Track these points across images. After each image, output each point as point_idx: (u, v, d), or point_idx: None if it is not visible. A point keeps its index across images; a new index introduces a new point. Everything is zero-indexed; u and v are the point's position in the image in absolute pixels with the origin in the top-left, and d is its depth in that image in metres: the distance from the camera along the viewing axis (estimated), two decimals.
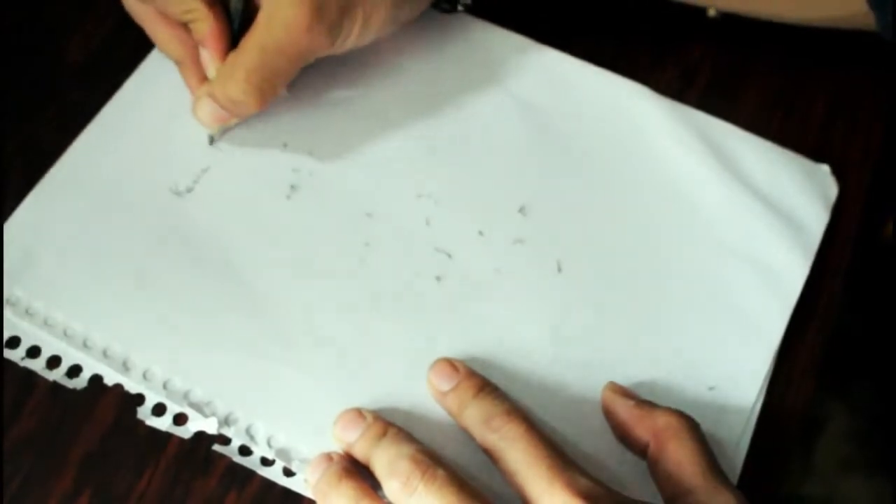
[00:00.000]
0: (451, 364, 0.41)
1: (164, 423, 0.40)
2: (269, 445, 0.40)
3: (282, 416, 0.41)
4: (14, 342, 0.41)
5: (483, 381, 0.40)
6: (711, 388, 0.43)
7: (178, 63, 0.46)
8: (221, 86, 0.44)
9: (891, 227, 0.81)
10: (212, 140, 0.47)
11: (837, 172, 0.48)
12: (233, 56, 0.43)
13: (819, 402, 0.90)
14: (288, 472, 0.40)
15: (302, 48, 0.43)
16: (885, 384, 0.90)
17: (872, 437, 0.90)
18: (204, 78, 0.45)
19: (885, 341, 0.89)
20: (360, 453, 0.39)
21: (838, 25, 0.49)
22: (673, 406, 0.39)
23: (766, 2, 0.49)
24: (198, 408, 0.40)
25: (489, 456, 0.38)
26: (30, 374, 0.41)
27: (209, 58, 0.44)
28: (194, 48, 0.45)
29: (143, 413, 0.40)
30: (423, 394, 0.41)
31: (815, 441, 0.90)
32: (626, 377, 0.42)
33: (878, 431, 0.90)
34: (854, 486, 0.89)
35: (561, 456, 0.36)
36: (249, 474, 0.40)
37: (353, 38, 0.45)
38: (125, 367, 0.41)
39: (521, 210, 0.46)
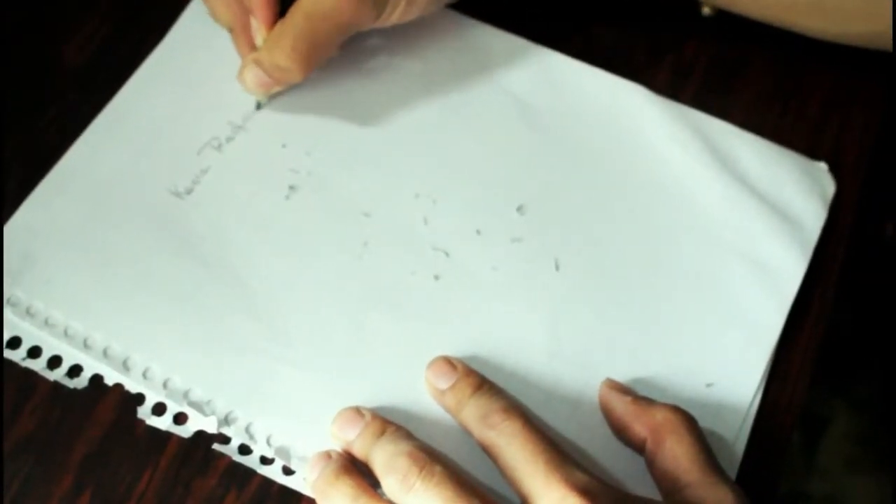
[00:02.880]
0: (449, 362, 0.41)
1: (164, 423, 0.41)
2: (269, 444, 0.40)
3: (281, 415, 0.41)
4: (15, 342, 0.42)
5: (481, 379, 0.40)
6: (709, 385, 0.43)
7: (229, 30, 0.47)
8: (268, 53, 0.45)
9: (892, 225, 0.81)
10: (259, 106, 0.48)
11: (832, 170, 0.48)
12: (280, 23, 0.45)
13: (823, 400, 0.90)
14: (287, 471, 0.40)
15: (347, 18, 0.44)
16: (890, 383, 0.90)
17: (877, 436, 0.90)
18: (254, 45, 0.46)
19: (890, 340, 0.89)
20: (358, 451, 0.39)
21: (860, 43, 0.49)
22: (670, 402, 0.40)
23: (792, 13, 0.49)
24: (198, 407, 0.41)
25: (487, 452, 0.38)
26: (29, 376, 0.41)
27: (257, 26, 0.45)
28: (245, 15, 0.46)
29: (144, 412, 0.41)
30: (422, 391, 0.41)
31: (820, 440, 0.90)
32: (623, 374, 0.42)
33: (882, 431, 0.90)
34: (859, 484, 0.89)
35: (558, 451, 0.37)
36: (249, 473, 0.40)
37: (399, 12, 0.46)
38: (125, 367, 0.41)
39: (520, 209, 0.46)
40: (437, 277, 0.44)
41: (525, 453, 0.36)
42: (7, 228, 0.44)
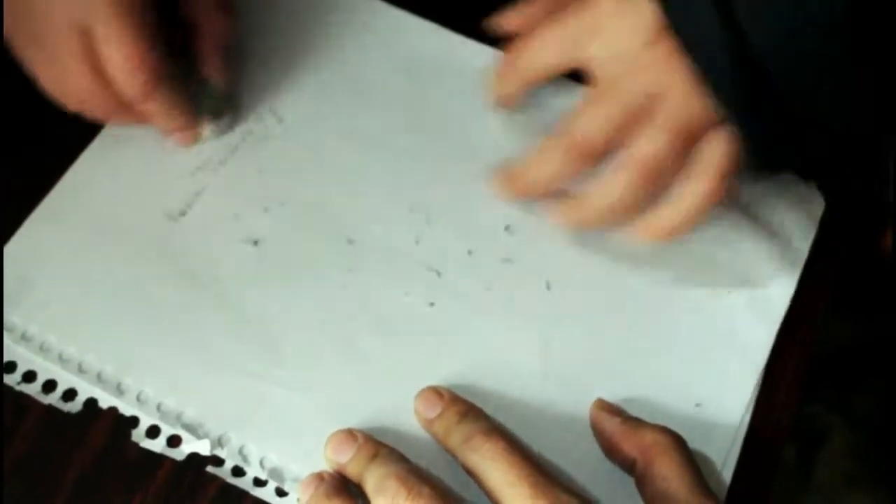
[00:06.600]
0: (437, 392, 0.41)
1: (157, 446, 0.41)
2: (262, 466, 0.40)
3: (274, 437, 0.41)
4: (10, 367, 0.42)
5: (467, 406, 0.40)
6: (698, 406, 0.43)
7: None
8: None
9: (889, 240, 0.81)
10: None
11: (823, 189, 0.49)
12: None
13: (821, 416, 0.90)
14: (280, 492, 0.40)
15: None
16: (889, 399, 0.90)
17: (874, 452, 0.90)
18: None
19: (886, 356, 0.89)
20: (352, 473, 0.39)
21: None
22: (660, 423, 0.40)
23: None
24: (191, 429, 0.41)
25: (472, 476, 0.38)
26: (22, 400, 0.41)
27: None
28: None
29: (138, 435, 0.41)
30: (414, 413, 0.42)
31: (817, 456, 0.90)
32: (613, 394, 0.42)
33: (879, 446, 0.90)
34: (856, 500, 0.89)
35: (543, 474, 0.37)
36: (241, 495, 0.40)
37: None
38: (119, 391, 0.42)
39: (507, 229, 0.47)
40: (429, 299, 0.45)
41: (510, 476, 0.36)
42: (4, 252, 0.44)
